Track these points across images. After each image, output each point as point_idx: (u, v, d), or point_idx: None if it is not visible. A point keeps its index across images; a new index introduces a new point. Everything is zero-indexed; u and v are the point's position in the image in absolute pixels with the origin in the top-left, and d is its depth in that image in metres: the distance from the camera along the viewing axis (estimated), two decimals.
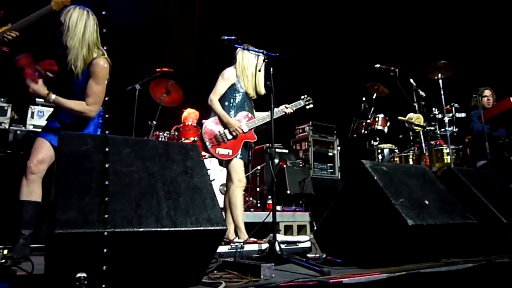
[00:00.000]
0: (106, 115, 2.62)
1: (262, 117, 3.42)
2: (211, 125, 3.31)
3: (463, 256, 2.66)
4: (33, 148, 2.66)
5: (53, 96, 2.54)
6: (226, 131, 3.30)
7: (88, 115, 2.60)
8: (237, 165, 3.30)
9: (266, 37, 6.59)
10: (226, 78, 3.36)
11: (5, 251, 1.95)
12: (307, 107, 3.73)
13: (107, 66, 2.62)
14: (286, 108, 3.55)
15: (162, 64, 5.31)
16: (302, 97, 3.74)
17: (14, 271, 1.96)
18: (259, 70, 3.37)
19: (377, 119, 5.32)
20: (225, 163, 3.37)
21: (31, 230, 2.58)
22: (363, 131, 5.42)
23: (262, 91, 3.45)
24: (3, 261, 1.89)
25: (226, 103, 3.37)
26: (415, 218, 2.33)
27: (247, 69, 3.40)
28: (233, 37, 3.03)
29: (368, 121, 5.38)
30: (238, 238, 3.17)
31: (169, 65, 5.31)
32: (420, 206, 2.50)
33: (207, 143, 3.25)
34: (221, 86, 3.35)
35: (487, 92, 4.98)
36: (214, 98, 3.32)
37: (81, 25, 2.55)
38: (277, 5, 7.36)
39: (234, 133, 3.29)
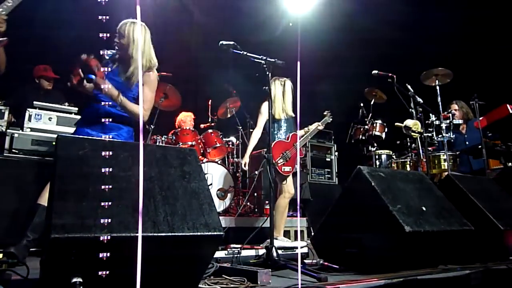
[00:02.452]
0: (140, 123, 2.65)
1: (306, 135, 4.24)
2: (277, 147, 3.85)
3: (461, 263, 2.66)
4: None
5: (121, 98, 2.62)
6: (288, 151, 3.89)
7: (144, 119, 2.82)
8: (288, 178, 3.88)
9: (265, 43, 6.63)
10: (263, 112, 3.93)
11: (0, 255, 1.93)
12: (329, 121, 4.43)
13: (156, 78, 2.85)
14: (319, 126, 4.26)
15: (160, 68, 5.31)
16: (325, 112, 4.42)
17: (9, 276, 1.95)
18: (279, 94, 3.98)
19: (375, 125, 5.33)
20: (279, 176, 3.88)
21: (36, 235, 2.55)
22: (360, 136, 5.43)
23: (290, 112, 4.03)
24: None
25: (273, 131, 3.91)
26: (413, 225, 2.33)
27: (279, 97, 3.98)
28: (231, 42, 3.04)
29: (366, 126, 5.39)
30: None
31: (167, 69, 5.31)
32: (417, 212, 2.50)
33: (280, 161, 3.81)
34: (261, 121, 3.96)
35: (453, 106, 5.09)
36: (255, 132, 3.97)
37: (143, 38, 2.75)
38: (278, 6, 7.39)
39: (291, 151, 3.90)
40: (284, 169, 3.83)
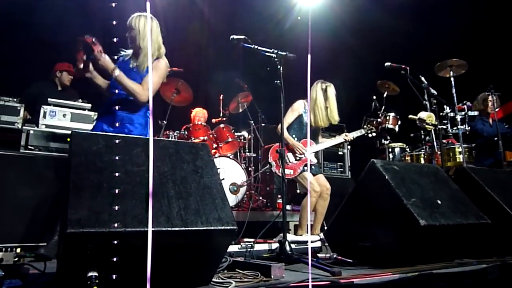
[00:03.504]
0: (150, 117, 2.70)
1: (325, 144, 4.07)
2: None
3: (477, 257, 2.62)
4: None
5: (117, 71, 2.64)
6: (290, 154, 3.82)
7: (139, 97, 2.71)
8: (306, 176, 3.77)
9: (276, 36, 6.59)
10: (295, 110, 3.87)
11: (18, 250, 1.96)
12: (369, 135, 4.21)
13: (166, 65, 2.89)
14: (346, 136, 4.04)
15: (172, 63, 5.33)
16: (365, 126, 4.21)
17: (27, 270, 1.98)
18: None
19: (388, 117, 5.25)
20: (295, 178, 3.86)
21: None
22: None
23: (336, 118, 3.95)
24: (16, 259, 1.91)
25: (292, 131, 3.87)
26: (428, 218, 2.30)
27: (321, 103, 3.86)
28: (242, 37, 3.02)
29: (379, 119, 5.33)
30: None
31: (179, 64, 5.33)
32: (432, 206, 2.46)
33: (272, 163, 3.77)
34: (289, 116, 3.87)
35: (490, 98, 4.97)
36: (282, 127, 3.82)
37: (149, 28, 2.79)
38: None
39: (297, 155, 3.81)
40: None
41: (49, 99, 3.77)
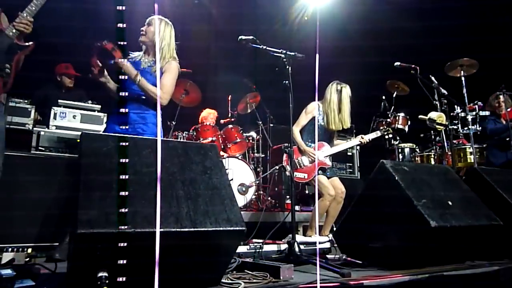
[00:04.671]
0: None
1: (339, 147, 3.90)
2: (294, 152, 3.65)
3: (489, 259, 2.58)
4: None
5: (139, 77, 2.69)
6: (304, 158, 3.74)
7: (161, 101, 2.82)
8: (320, 180, 3.66)
9: (282, 37, 6.58)
10: (308, 112, 3.78)
11: (29, 250, 1.99)
12: (386, 137, 4.12)
13: (178, 67, 2.94)
14: (362, 138, 3.93)
15: (180, 64, 5.36)
16: (382, 127, 4.17)
17: (38, 269, 2.00)
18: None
19: (397, 118, 5.21)
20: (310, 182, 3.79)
21: None
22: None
23: (347, 123, 3.82)
24: (28, 259, 1.93)
25: (305, 134, 3.80)
26: (438, 220, 2.27)
27: (335, 105, 3.75)
28: (250, 37, 3.02)
29: (388, 120, 5.29)
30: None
31: (188, 65, 5.35)
32: (443, 207, 2.44)
33: (287, 167, 3.67)
34: (303, 119, 3.79)
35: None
36: (295, 129, 3.75)
37: (169, 33, 2.91)
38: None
39: (310, 159, 3.71)
40: (296, 174, 3.68)
41: (59, 101, 3.81)
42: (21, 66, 2.61)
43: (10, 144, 3.34)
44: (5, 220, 3.17)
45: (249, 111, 5.71)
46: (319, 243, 2.97)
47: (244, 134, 5.22)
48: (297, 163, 3.70)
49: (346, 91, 3.79)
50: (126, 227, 1.48)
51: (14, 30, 2.38)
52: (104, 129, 2.90)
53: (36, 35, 2.48)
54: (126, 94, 2.78)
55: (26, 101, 3.65)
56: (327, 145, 3.83)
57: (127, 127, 2.75)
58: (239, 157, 4.98)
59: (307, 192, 5.11)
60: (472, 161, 4.49)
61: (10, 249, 1.90)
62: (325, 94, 3.84)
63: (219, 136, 5.05)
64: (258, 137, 5.53)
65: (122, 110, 2.75)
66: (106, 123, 3.04)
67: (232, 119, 5.57)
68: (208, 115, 5.44)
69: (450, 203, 2.49)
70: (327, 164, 3.78)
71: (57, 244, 2.69)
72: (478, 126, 4.41)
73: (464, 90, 4.55)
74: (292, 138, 2.93)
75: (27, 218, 3.25)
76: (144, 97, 2.79)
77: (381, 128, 4.12)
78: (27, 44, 2.48)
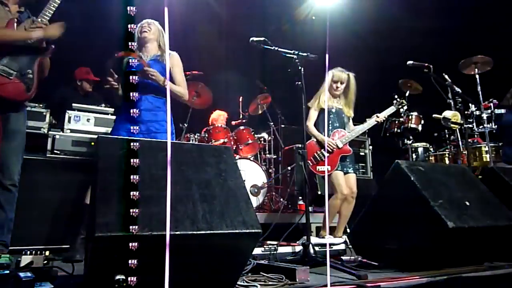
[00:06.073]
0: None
1: (357, 130, 3.79)
2: (310, 147, 3.61)
3: (508, 260, 2.53)
4: None
5: (166, 81, 2.84)
6: (322, 150, 3.63)
7: (185, 97, 3.05)
8: (338, 177, 3.56)
9: (296, 36, 6.56)
10: (315, 106, 3.71)
11: (47, 253, 2.01)
12: (401, 110, 4.03)
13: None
14: (378, 117, 3.83)
15: (191, 67, 5.38)
16: (395, 101, 4.01)
17: (56, 272, 2.03)
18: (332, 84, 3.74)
19: (410, 117, 5.16)
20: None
21: None
22: (396, 129, 5.27)
23: (351, 114, 3.84)
24: (46, 262, 1.95)
25: (320, 127, 3.69)
26: (456, 220, 2.24)
27: (328, 85, 3.72)
28: (262, 38, 3.02)
29: (401, 119, 5.24)
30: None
31: (198, 67, 5.37)
32: (460, 207, 2.40)
33: (309, 163, 3.54)
34: (313, 114, 3.71)
35: None
36: (309, 124, 3.69)
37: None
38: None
39: (330, 149, 3.61)
40: (318, 169, 3.60)
41: (73, 104, 3.85)
42: (47, 72, 2.67)
43: (26, 148, 3.39)
44: (24, 222, 3.22)
45: (260, 112, 5.71)
46: (334, 244, 2.94)
47: (256, 135, 5.23)
48: (318, 157, 3.60)
49: (350, 77, 3.83)
50: (143, 230, 1.48)
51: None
52: (114, 128, 2.92)
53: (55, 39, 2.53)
54: (137, 94, 2.81)
55: (41, 105, 3.69)
56: (344, 131, 3.74)
57: (138, 127, 2.79)
58: (251, 159, 4.98)
59: (319, 193, 5.08)
60: (488, 160, 4.41)
61: (28, 252, 1.92)
62: (325, 81, 3.75)
63: (231, 138, 5.06)
64: (269, 138, 5.53)
65: (134, 110, 2.79)
66: (114, 121, 3.07)
67: (244, 121, 5.58)
68: (219, 117, 5.45)
69: (467, 203, 2.45)
70: (349, 151, 3.69)
71: (70, 246, 2.73)
72: (493, 124, 4.34)
73: (479, 88, 4.48)
74: (303, 139, 2.90)
75: (42, 220, 3.30)
76: (156, 96, 2.87)
77: (394, 102, 4.00)
78: (46, 46, 2.52)
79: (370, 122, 3.83)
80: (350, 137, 3.68)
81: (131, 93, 2.81)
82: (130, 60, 2.68)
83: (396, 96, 4.56)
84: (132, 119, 2.79)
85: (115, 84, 2.78)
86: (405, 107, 3.97)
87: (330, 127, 3.69)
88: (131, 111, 2.81)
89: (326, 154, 3.58)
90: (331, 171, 3.57)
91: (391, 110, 3.93)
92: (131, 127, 2.75)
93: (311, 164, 3.59)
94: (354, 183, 3.68)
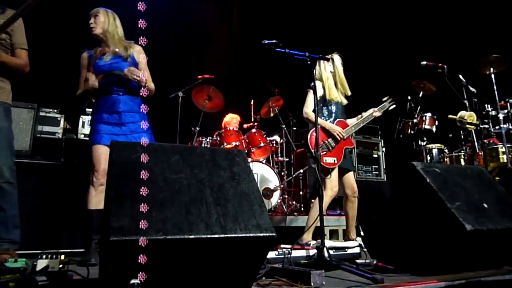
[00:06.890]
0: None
1: (356, 123, 3.59)
2: (313, 137, 3.31)
3: None
4: (94, 158, 2.76)
5: (145, 83, 2.90)
6: (330, 139, 3.43)
7: (153, 91, 3.03)
8: (333, 173, 3.38)
9: (308, 37, 6.54)
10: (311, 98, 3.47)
11: (62, 256, 2.02)
12: (390, 108, 3.79)
13: None
14: (375, 111, 3.67)
15: (203, 70, 5.41)
16: (384, 98, 3.81)
17: (71, 276, 2.04)
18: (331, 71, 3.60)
19: (424, 118, 5.09)
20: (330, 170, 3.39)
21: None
22: (409, 131, 5.21)
23: (348, 92, 3.64)
24: (61, 266, 1.97)
25: (321, 115, 3.52)
26: (474, 223, 2.19)
27: (320, 74, 3.58)
28: (273, 41, 3.00)
29: (415, 120, 5.17)
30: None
31: (210, 71, 5.40)
32: (478, 209, 2.35)
33: (321, 150, 3.31)
34: (312, 100, 3.32)
35: None
36: (308, 111, 3.45)
37: (117, 21, 3.02)
38: (317, 4, 7.29)
39: (338, 137, 3.42)
40: (326, 160, 3.34)
41: (86, 109, 3.90)
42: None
43: (41, 153, 3.45)
44: (39, 226, 3.26)
45: (272, 115, 5.70)
46: (349, 248, 2.89)
47: (268, 138, 5.22)
48: (325, 147, 3.39)
49: (337, 58, 3.66)
50: (157, 234, 1.48)
51: None
52: (93, 130, 2.89)
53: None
54: (120, 93, 2.91)
55: (55, 110, 3.75)
56: (346, 122, 3.61)
57: (119, 128, 2.87)
58: (263, 162, 4.97)
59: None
60: (505, 161, 4.32)
61: (44, 256, 1.93)
62: (317, 70, 3.61)
63: (243, 141, 5.06)
64: (281, 141, 5.51)
65: (118, 109, 2.87)
66: (91, 125, 2.99)
67: (255, 124, 5.58)
68: (231, 120, 5.46)
69: (485, 205, 2.40)
70: (352, 144, 3.58)
71: (84, 249, 2.75)
72: (510, 124, 4.26)
73: (495, 88, 4.40)
74: (316, 141, 2.79)
75: (55, 225, 3.34)
76: (135, 97, 2.93)
77: (385, 99, 3.80)
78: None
79: (367, 113, 3.66)
80: (353, 130, 3.57)
81: (106, 94, 2.88)
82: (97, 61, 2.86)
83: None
84: (113, 120, 2.86)
85: (96, 85, 2.84)
86: (394, 106, 3.79)
87: (336, 118, 3.55)
88: (111, 112, 2.88)
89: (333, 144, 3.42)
90: (337, 163, 3.39)
91: (384, 107, 3.75)
92: (112, 128, 2.84)
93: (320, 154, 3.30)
94: (354, 181, 3.56)
